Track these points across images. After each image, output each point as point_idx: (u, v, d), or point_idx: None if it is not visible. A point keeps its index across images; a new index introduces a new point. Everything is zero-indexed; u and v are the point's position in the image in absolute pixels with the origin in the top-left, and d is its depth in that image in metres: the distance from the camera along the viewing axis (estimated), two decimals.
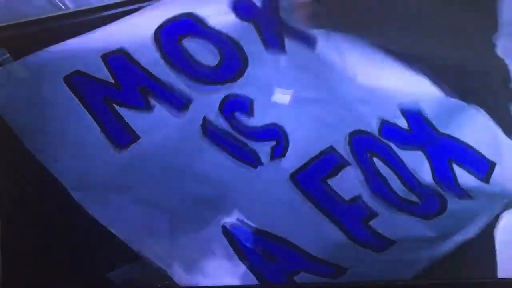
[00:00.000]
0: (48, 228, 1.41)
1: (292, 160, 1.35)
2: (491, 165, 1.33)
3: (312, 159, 1.34)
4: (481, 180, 1.33)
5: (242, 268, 1.22)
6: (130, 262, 1.43)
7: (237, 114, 1.36)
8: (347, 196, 1.31)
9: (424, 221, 1.29)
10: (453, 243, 1.30)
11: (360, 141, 1.35)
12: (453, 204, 1.33)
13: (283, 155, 1.35)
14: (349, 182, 1.32)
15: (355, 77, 1.30)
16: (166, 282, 1.38)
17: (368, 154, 1.34)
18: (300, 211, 1.29)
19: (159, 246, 1.23)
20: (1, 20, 1.39)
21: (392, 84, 1.31)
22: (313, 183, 1.32)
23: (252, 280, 1.22)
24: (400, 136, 1.32)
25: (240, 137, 1.36)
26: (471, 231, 1.29)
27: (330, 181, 1.32)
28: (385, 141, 1.32)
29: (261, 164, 1.34)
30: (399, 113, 1.31)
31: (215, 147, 1.34)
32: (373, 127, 1.32)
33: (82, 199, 1.29)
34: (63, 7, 1.52)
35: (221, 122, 1.35)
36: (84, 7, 1.49)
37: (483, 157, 1.34)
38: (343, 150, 1.34)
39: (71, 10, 1.51)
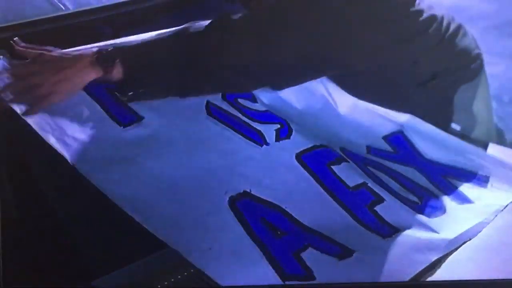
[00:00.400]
0: (49, 228, 1.41)
1: (297, 142, 1.36)
2: (485, 178, 1.39)
3: (315, 146, 1.36)
4: (480, 186, 1.35)
5: (248, 241, 1.21)
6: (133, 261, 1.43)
7: (241, 100, 1.40)
8: (351, 183, 1.32)
9: (425, 218, 1.30)
10: (455, 243, 1.30)
11: (352, 155, 1.39)
12: (453, 205, 1.34)
13: (288, 137, 1.37)
14: (352, 172, 1.34)
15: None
16: (166, 283, 1.37)
17: (362, 163, 1.36)
18: (307, 189, 1.30)
19: (161, 218, 1.22)
20: (1, 20, 1.39)
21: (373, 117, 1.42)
22: (319, 166, 1.33)
23: (259, 254, 1.21)
24: (388, 156, 1.40)
25: (245, 118, 1.37)
26: (470, 233, 1.29)
27: (334, 167, 1.33)
28: (375, 158, 1.39)
29: (266, 143, 1.34)
30: (383, 141, 1.42)
31: (220, 125, 1.34)
32: (361, 149, 1.40)
33: (88, 171, 1.28)
34: (63, 8, 1.52)
35: (224, 106, 1.38)
36: (84, 8, 1.49)
37: (476, 173, 1.37)
38: (339, 152, 1.38)
39: (70, 11, 1.51)
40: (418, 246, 1.25)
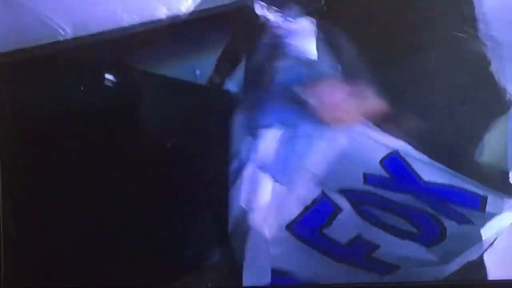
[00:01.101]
0: (50, 228, 1.39)
1: (286, 211, 1.36)
2: (483, 199, 1.37)
3: (306, 209, 1.36)
4: (477, 211, 1.36)
5: None
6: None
7: None
8: (345, 240, 1.32)
9: (424, 249, 1.30)
10: (456, 265, 1.30)
11: (348, 195, 1.38)
12: (453, 230, 1.34)
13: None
14: (345, 227, 1.35)
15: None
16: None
17: (360, 202, 1.37)
18: (300, 250, 1.30)
19: None
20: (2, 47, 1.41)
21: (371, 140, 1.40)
22: (310, 233, 1.34)
23: None
24: (385, 182, 1.38)
25: None
26: (474, 253, 1.30)
27: (326, 230, 1.34)
28: (372, 189, 1.37)
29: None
30: (379, 167, 1.39)
31: None
32: (358, 179, 1.37)
33: None
34: (62, 33, 1.54)
35: None
36: (83, 34, 1.51)
37: (474, 193, 1.37)
38: (334, 196, 1.37)
39: (70, 37, 1.52)
40: (420, 271, 1.26)
